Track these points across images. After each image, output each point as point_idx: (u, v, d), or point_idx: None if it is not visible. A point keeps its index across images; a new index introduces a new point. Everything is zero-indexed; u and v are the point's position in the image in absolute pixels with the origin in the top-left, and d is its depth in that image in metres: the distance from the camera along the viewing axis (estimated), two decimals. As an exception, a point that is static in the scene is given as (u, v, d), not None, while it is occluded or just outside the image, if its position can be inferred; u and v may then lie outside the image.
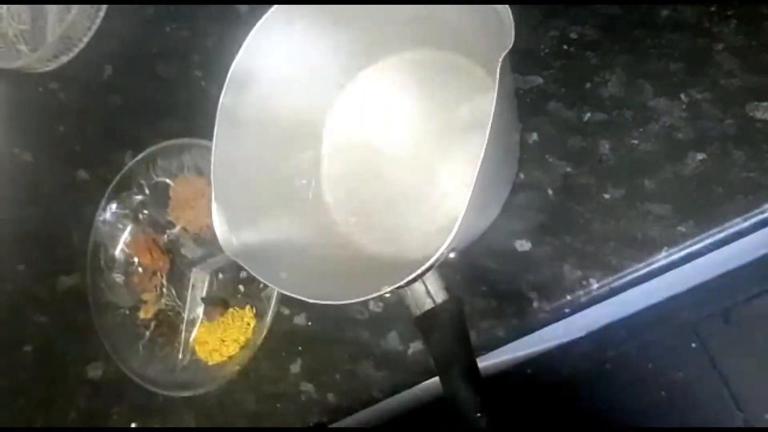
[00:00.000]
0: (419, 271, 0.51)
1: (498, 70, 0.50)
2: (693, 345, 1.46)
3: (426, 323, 0.54)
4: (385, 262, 0.65)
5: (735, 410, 1.43)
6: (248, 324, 0.73)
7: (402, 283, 0.52)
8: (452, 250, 0.52)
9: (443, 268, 0.53)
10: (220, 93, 0.79)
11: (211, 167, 0.62)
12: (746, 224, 0.55)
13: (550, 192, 0.62)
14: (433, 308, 0.53)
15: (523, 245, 0.62)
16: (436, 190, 0.65)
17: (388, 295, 0.54)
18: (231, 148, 0.64)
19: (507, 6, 0.51)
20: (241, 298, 0.75)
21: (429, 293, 0.54)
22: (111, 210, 0.81)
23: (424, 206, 0.66)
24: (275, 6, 0.61)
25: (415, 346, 0.66)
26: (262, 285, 0.74)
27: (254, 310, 0.74)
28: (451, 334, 0.52)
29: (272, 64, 0.65)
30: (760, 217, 0.55)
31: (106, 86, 0.89)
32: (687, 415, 1.45)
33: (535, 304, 0.61)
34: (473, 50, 0.63)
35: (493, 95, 0.50)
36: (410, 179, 0.67)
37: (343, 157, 0.71)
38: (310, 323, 0.72)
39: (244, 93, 0.64)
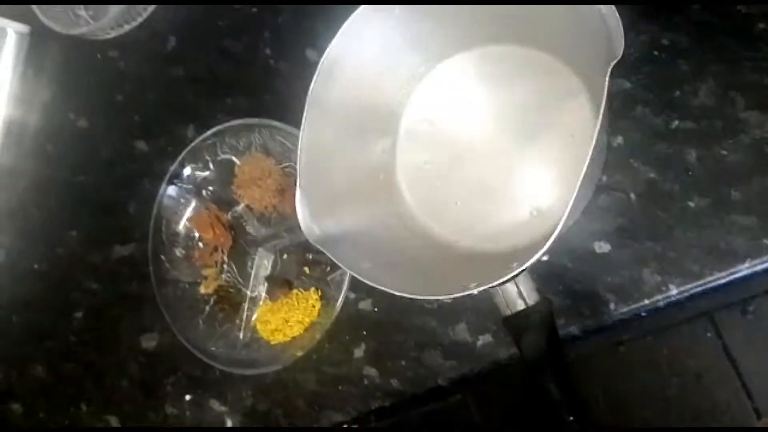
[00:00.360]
0: (515, 272, 0.51)
1: (606, 81, 0.50)
2: (708, 334, 1.47)
3: (517, 324, 0.55)
4: (465, 254, 0.66)
5: (745, 399, 1.45)
6: (313, 306, 0.74)
7: (497, 282, 0.53)
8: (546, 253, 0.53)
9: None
10: (289, 72, 0.80)
11: (298, 154, 0.63)
12: (832, 241, 0.56)
13: (632, 196, 0.62)
14: (525, 309, 0.54)
15: (602, 247, 0.63)
16: (515, 185, 0.66)
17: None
18: (316, 135, 0.64)
19: (614, 8, 0.51)
20: (306, 280, 0.76)
21: (521, 294, 0.55)
22: (175, 183, 0.81)
23: (500, 200, 0.66)
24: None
25: (485, 339, 0.67)
26: (328, 268, 0.75)
27: (319, 293, 0.74)
28: (543, 337, 0.53)
29: (359, 52, 0.65)
30: None
31: (169, 57, 0.88)
32: (697, 402, 1.47)
33: (612, 306, 0.62)
34: (563, 49, 0.63)
35: (600, 108, 0.50)
36: (487, 172, 0.68)
37: (420, 147, 0.71)
38: (376, 309, 0.73)
39: (331, 80, 0.64)
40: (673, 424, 1.45)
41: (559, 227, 0.50)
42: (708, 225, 0.59)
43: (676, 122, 0.61)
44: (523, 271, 0.51)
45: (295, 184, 0.62)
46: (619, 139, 0.63)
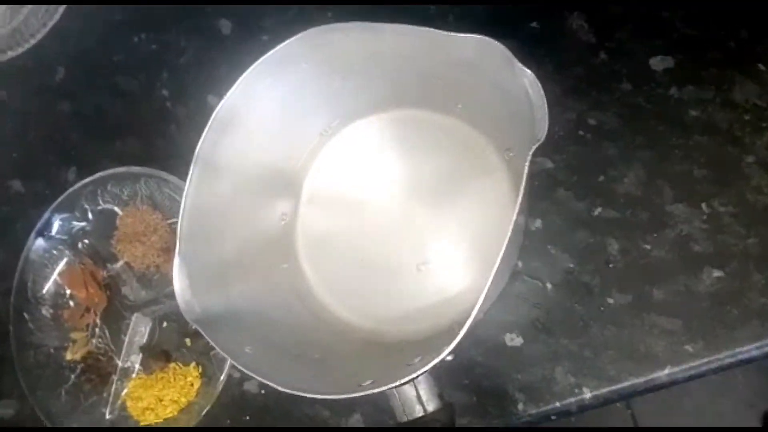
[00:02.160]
0: (414, 375, 0.45)
1: (526, 165, 0.45)
2: (617, 405, 1.45)
3: (412, 432, 0.48)
4: (365, 339, 0.59)
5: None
6: (191, 385, 0.66)
7: (392, 386, 0.46)
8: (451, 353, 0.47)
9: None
10: (187, 118, 0.73)
11: (180, 216, 0.55)
12: (758, 352, 0.52)
13: (549, 286, 0.57)
14: (423, 416, 0.48)
15: (514, 340, 0.57)
16: (422, 263, 0.60)
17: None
18: (203, 195, 0.57)
19: (540, 87, 0.46)
20: (187, 353, 0.67)
21: (420, 399, 0.48)
22: (47, 233, 0.71)
23: (407, 280, 0.60)
24: (279, 47, 0.54)
25: (382, 433, 0.60)
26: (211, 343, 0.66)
27: (200, 369, 0.66)
28: (438, 450, 0.47)
29: (260, 107, 0.58)
30: (774, 346, 0.51)
31: (57, 90, 0.79)
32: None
33: (521, 407, 0.56)
34: (484, 122, 0.59)
35: (520, 191, 0.44)
36: (394, 247, 0.62)
37: (324, 215, 0.64)
38: (263, 391, 0.65)
39: (226, 136, 0.57)
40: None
41: (468, 323, 0.44)
42: (628, 324, 0.54)
43: (599, 209, 0.56)
44: (423, 373, 0.45)
45: None
46: (538, 223, 0.58)
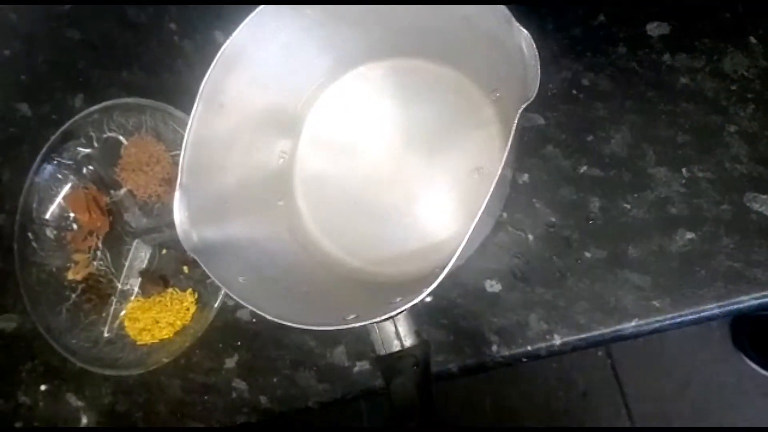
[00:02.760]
0: (394, 312, 0.48)
1: (515, 121, 0.47)
2: (599, 353, 1.49)
3: (389, 365, 0.51)
4: (351, 277, 0.62)
5: (626, 420, 1.47)
6: (187, 309, 0.69)
7: (373, 321, 0.49)
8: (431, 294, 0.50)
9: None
10: (194, 53, 0.75)
11: (183, 149, 0.57)
12: (719, 311, 0.55)
13: (531, 237, 0.60)
14: (399, 351, 0.51)
15: (493, 286, 0.60)
16: (412, 209, 0.62)
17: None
18: (206, 130, 0.59)
19: (534, 47, 0.48)
20: (184, 280, 0.71)
21: (398, 334, 0.51)
22: (54, 157, 0.74)
23: (396, 223, 0.63)
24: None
25: (362, 366, 0.64)
26: (208, 271, 0.69)
27: (196, 296, 0.69)
28: (414, 383, 0.50)
29: (266, 47, 0.60)
30: (735, 307, 0.54)
31: (66, 17, 0.81)
32: (581, 418, 1.49)
33: (494, 348, 0.60)
34: (479, 74, 0.60)
35: (506, 147, 0.47)
36: (386, 191, 0.64)
37: (321, 156, 0.67)
38: (254, 320, 0.68)
39: (231, 73, 0.59)
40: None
41: (448, 267, 0.47)
42: (601, 278, 0.57)
43: (584, 168, 0.58)
44: (402, 311, 0.48)
45: None
46: (525, 177, 0.60)
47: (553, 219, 0.59)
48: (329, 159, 0.66)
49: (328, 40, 0.62)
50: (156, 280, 0.71)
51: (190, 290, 0.70)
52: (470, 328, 0.60)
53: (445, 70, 0.63)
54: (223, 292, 0.66)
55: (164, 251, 0.72)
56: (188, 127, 0.58)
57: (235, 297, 0.53)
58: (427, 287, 0.47)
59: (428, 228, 0.61)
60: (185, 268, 0.71)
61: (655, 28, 0.59)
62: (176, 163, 0.68)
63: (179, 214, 0.56)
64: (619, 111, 0.59)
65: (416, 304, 0.46)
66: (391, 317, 0.49)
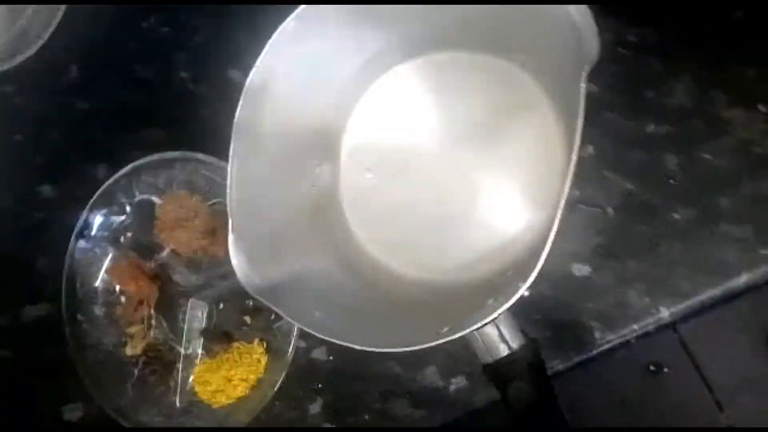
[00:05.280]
0: (494, 315, 0.44)
1: (582, 87, 0.43)
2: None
3: (500, 372, 0.47)
4: (426, 290, 0.58)
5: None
6: (258, 361, 0.65)
7: (474, 327, 0.45)
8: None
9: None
10: (211, 96, 0.72)
11: (228, 191, 0.54)
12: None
13: (610, 211, 0.56)
14: (509, 355, 0.47)
15: (581, 269, 0.56)
16: (474, 208, 0.59)
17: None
18: (247, 167, 0.56)
19: (588, 12, 0.45)
20: (248, 331, 0.67)
21: (503, 337, 0.47)
22: (87, 233, 0.70)
23: (461, 225, 0.59)
24: (301, 7, 0.52)
25: (458, 383, 0.60)
26: (273, 316, 0.66)
27: (265, 345, 0.65)
28: (533, 385, 0.46)
29: (291, 68, 0.57)
30: None
31: (72, 89, 0.78)
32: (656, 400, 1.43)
33: (597, 335, 0.56)
34: (520, 54, 0.57)
35: (578, 117, 0.43)
36: (442, 195, 0.61)
37: (365, 171, 0.63)
38: (331, 357, 0.65)
39: (260, 102, 0.56)
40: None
41: (543, 256, 0.43)
42: (696, 238, 0.53)
43: (652, 126, 0.55)
44: (503, 311, 0.44)
45: (227, 225, 0.54)
46: (589, 149, 0.56)
47: (630, 186, 0.55)
48: (374, 172, 0.63)
49: (355, 44, 0.58)
50: (219, 337, 0.67)
51: (257, 340, 0.66)
52: (566, 318, 0.56)
53: (481, 56, 0.60)
54: (295, 334, 0.62)
55: (221, 305, 0.69)
56: (229, 168, 0.54)
57: (317, 334, 0.49)
58: (523, 281, 0.43)
59: (494, 225, 0.58)
60: (247, 319, 0.67)
61: (694, -32, 0.56)
62: (216, 213, 0.66)
63: (237, 260, 0.53)
64: (675, 60, 0.55)
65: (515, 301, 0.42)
66: (493, 320, 0.45)
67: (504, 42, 0.56)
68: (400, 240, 0.61)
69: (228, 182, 0.54)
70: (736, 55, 0.53)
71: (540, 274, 0.56)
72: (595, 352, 0.56)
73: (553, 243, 0.55)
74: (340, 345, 0.56)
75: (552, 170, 0.56)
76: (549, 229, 0.44)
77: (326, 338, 0.48)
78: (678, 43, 0.55)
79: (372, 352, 0.56)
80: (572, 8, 0.45)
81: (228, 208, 0.54)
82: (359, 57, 0.60)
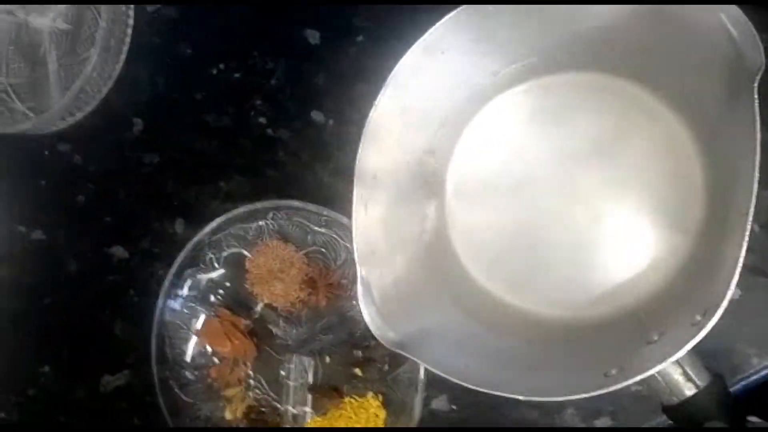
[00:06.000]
0: (682, 352, 0.41)
1: (755, 106, 0.41)
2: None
3: (688, 413, 0.44)
4: (563, 329, 0.55)
5: None
6: (376, 415, 0.61)
7: (657, 367, 0.42)
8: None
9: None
10: (293, 140, 0.68)
11: (354, 240, 0.51)
12: None
13: (756, 228, 0.52)
14: (696, 394, 0.43)
15: (730, 292, 0.53)
16: (603, 235, 0.56)
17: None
18: (366, 213, 0.52)
19: (747, 21, 0.42)
20: (359, 385, 0.63)
21: (688, 375, 0.44)
22: (175, 293, 0.67)
23: (589, 255, 0.56)
24: (428, 32, 0.50)
25: (603, 423, 0.56)
26: (386, 367, 0.62)
27: (380, 398, 0.62)
28: (730, 425, 0.42)
29: (402, 106, 0.54)
30: None
31: (138, 144, 0.74)
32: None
33: (755, 361, 0.52)
34: (645, 71, 0.54)
35: (756, 133, 0.41)
36: (564, 226, 0.57)
37: (473, 208, 0.60)
38: (454, 407, 0.60)
39: (375, 144, 0.53)
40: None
41: (730, 291, 0.40)
42: None
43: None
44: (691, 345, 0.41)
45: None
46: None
47: (777, 199, 0.52)
48: (484, 207, 0.59)
49: (462, 76, 0.55)
50: (328, 392, 0.64)
51: (371, 394, 0.62)
52: (719, 346, 0.53)
53: (589, 74, 0.57)
54: (421, 384, 0.58)
55: (328, 359, 0.65)
56: (354, 214, 0.51)
57: (471, 386, 0.46)
58: (703, 314, 0.41)
59: (627, 251, 0.55)
60: (357, 371, 0.63)
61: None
62: (313, 262, 0.63)
63: (368, 312, 0.50)
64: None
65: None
66: (677, 357, 0.42)
67: (639, 64, 0.53)
68: (522, 277, 0.57)
69: (353, 229, 0.51)
70: None
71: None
72: (754, 378, 0.52)
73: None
74: (464, 394, 0.53)
75: (688, 188, 0.53)
76: (734, 258, 0.41)
77: (485, 390, 0.45)
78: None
79: (502, 399, 0.53)
80: (728, 20, 0.43)
81: (356, 258, 0.51)
82: (465, 89, 0.57)
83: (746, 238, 0.40)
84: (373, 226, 0.53)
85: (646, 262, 0.54)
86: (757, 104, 0.40)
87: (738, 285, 0.50)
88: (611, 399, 0.53)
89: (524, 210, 0.58)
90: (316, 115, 0.67)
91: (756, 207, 0.51)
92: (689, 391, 0.44)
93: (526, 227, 0.58)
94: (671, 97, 0.54)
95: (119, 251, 0.74)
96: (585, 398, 0.55)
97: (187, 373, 0.67)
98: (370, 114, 0.51)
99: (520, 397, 0.44)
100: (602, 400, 0.55)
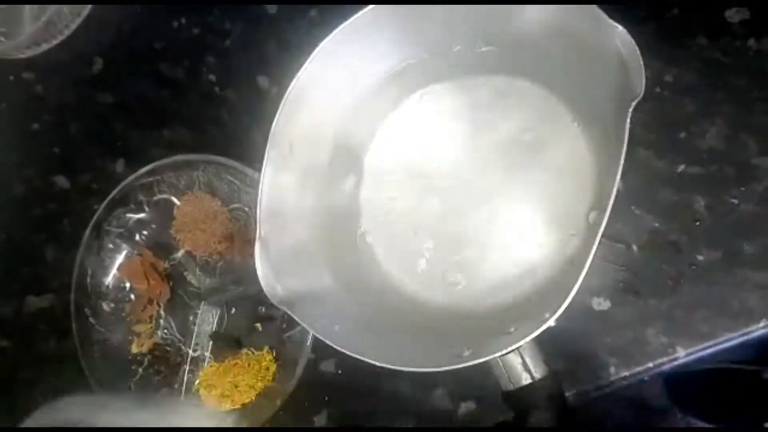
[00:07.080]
0: (520, 342, 0.45)
1: (626, 125, 0.44)
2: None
3: (520, 400, 0.47)
4: (445, 312, 0.58)
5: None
6: (267, 369, 0.65)
7: (497, 354, 0.45)
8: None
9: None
10: (238, 102, 0.71)
11: (258, 200, 0.54)
12: None
13: (634, 248, 0.56)
14: (531, 384, 0.47)
15: (601, 304, 0.56)
16: (499, 233, 0.59)
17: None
18: (277, 177, 0.56)
19: (636, 48, 0.45)
20: (258, 339, 0.66)
21: (526, 366, 0.47)
22: (102, 228, 0.70)
23: (483, 251, 0.59)
24: (355, 16, 0.53)
25: (468, 406, 0.60)
26: (284, 325, 0.66)
27: (274, 353, 0.65)
28: (554, 416, 0.46)
29: (330, 80, 0.57)
30: None
31: (95, 82, 0.78)
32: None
33: (612, 370, 0.56)
34: (556, 85, 0.57)
35: (621, 153, 0.44)
36: (465, 219, 0.60)
37: (387, 189, 0.63)
38: (340, 371, 0.64)
39: (296, 111, 0.56)
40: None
41: (574, 290, 0.44)
42: (718, 281, 0.53)
43: (682, 166, 0.55)
44: (528, 340, 0.45)
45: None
46: (620, 184, 0.56)
47: (656, 224, 0.56)
48: (397, 193, 0.62)
49: (395, 64, 0.59)
50: (229, 341, 0.67)
51: (267, 348, 0.65)
52: (583, 351, 0.56)
53: (519, 81, 0.60)
54: (307, 346, 0.61)
55: (233, 310, 0.68)
56: (262, 175, 0.55)
57: (336, 346, 0.49)
58: (550, 311, 0.44)
59: (516, 251, 0.58)
60: (258, 326, 0.67)
61: (734, 14, 0.57)
62: (236, 218, 0.66)
63: (262, 268, 0.53)
64: (710, 104, 0.56)
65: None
66: (517, 348, 0.46)
67: (544, 69, 0.56)
68: (423, 262, 0.61)
69: (260, 189, 0.54)
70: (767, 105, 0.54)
71: (560, 305, 0.57)
72: (608, 387, 0.56)
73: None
74: (350, 360, 0.56)
75: (579, 199, 0.56)
76: (581, 264, 0.44)
77: (346, 352, 0.48)
78: (714, 89, 0.55)
79: (382, 370, 0.56)
80: (620, 42, 0.46)
81: (257, 216, 0.54)
82: (391, 70, 0.60)
83: (593, 251, 0.42)
84: (283, 191, 0.56)
85: (530, 263, 0.57)
86: (627, 128, 0.43)
87: (609, 298, 0.55)
88: (479, 384, 0.56)
89: (432, 202, 0.61)
90: (262, 81, 0.70)
91: (634, 227, 0.55)
92: (525, 380, 0.47)
93: (431, 218, 0.61)
94: (582, 115, 0.57)
95: (61, 181, 0.77)
96: (454, 379, 0.59)
97: (103, 304, 0.71)
98: (292, 83, 0.54)
99: (375, 362, 0.48)
100: (471, 384, 0.59)
